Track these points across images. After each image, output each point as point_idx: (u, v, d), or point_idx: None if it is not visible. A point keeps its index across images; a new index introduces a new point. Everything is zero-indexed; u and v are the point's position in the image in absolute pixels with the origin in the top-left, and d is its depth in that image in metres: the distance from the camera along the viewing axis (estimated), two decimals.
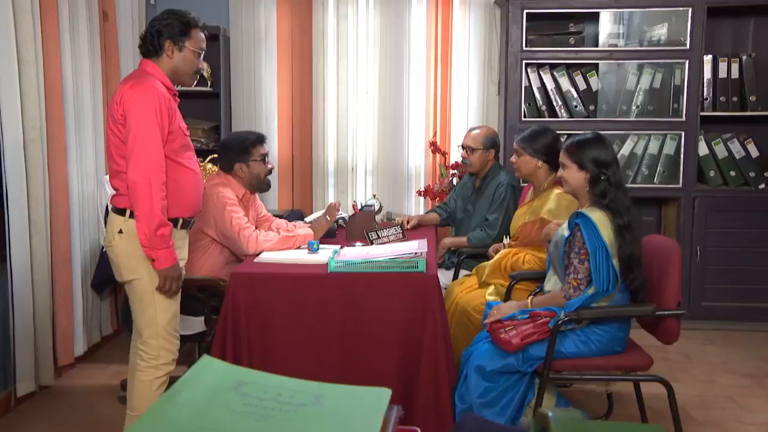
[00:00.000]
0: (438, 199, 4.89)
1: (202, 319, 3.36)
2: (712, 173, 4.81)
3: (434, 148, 5.14)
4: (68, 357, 3.89)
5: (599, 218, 2.80)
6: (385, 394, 1.02)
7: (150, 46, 2.81)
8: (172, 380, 2.95)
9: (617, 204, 2.83)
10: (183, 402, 0.98)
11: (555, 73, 4.81)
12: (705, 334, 4.67)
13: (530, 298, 3.05)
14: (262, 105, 5.30)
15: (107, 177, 2.97)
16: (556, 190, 3.44)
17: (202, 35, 2.88)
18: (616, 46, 4.80)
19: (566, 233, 2.89)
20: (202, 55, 2.91)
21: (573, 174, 2.95)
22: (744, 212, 4.75)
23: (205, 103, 5.15)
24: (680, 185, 4.76)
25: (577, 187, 2.97)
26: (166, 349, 2.83)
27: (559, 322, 2.74)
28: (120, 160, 2.72)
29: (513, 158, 3.65)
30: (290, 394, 1.02)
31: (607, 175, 2.86)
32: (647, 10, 4.74)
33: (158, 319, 2.79)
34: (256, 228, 3.50)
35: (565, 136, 4.15)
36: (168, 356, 2.85)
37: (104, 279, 4.12)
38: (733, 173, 4.79)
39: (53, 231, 3.74)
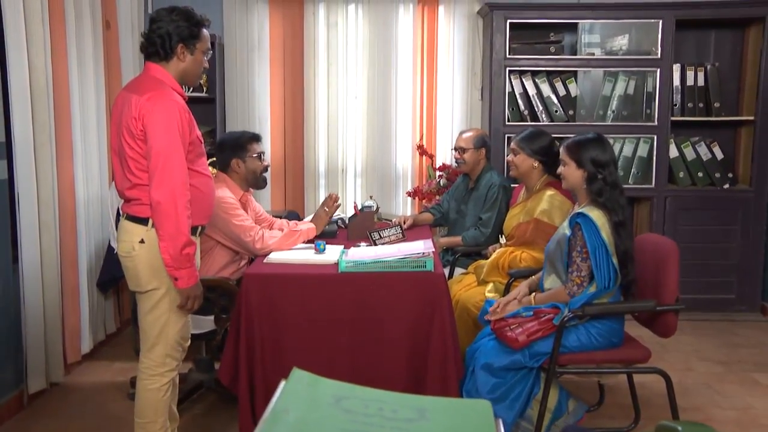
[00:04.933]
0: (426, 199, 4.82)
1: (211, 318, 3.24)
2: (681, 174, 4.83)
3: (421, 150, 5.08)
4: (76, 355, 3.76)
5: (598, 217, 2.76)
6: (487, 406, 0.95)
7: (160, 49, 2.49)
8: (181, 377, 2.81)
9: (612, 203, 2.80)
10: (292, 422, 0.89)
11: (536, 80, 4.78)
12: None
13: (533, 295, 2.99)
14: (256, 109, 5.18)
15: (114, 184, 2.73)
16: (549, 191, 3.40)
17: (208, 33, 2.62)
18: (593, 54, 4.78)
19: (568, 232, 2.84)
20: (209, 54, 2.66)
21: (572, 171, 2.91)
22: (711, 210, 4.80)
23: (201, 108, 4.99)
24: (653, 185, 4.78)
25: (574, 184, 2.93)
26: (171, 357, 2.61)
27: (565, 318, 2.69)
28: (139, 173, 2.46)
29: (510, 157, 3.59)
30: (392, 408, 0.95)
31: (604, 174, 2.83)
32: (616, 21, 4.74)
33: (169, 330, 2.58)
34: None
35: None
36: (172, 363, 2.63)
37: (109, 278, 4.01)
38: (700, 174, 4.82)
39: (61, 232, 3.59)
